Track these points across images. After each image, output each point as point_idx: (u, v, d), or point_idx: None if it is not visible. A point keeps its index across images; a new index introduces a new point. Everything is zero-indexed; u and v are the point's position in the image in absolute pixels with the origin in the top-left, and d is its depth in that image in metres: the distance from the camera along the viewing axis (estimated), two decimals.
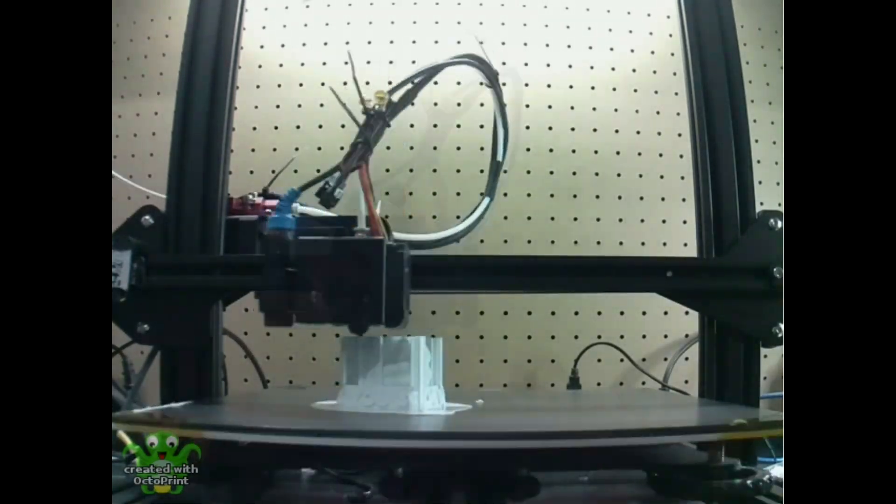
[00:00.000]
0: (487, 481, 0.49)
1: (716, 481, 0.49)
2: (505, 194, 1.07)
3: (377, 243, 0.59)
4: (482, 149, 1.08)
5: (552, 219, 1.09)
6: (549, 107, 1.11)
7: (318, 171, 1.09)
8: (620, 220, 1.10)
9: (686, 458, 0.56)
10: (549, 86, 1.12)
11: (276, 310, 0.59)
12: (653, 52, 1.13)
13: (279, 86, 1.12)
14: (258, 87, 1.12)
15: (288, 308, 0.58)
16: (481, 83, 1.07)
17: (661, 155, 1.11)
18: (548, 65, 1.12)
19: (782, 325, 0.64)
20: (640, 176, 1.11)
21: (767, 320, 0.65)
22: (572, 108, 1.12)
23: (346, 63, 1.03)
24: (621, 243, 1.09)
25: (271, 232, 0.59)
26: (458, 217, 1.04)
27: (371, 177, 0.67)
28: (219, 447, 0.48)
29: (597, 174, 1.10)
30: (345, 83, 1.14)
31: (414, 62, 1.06)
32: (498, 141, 1.03)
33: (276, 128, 1.12)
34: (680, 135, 1.07)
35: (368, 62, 1.10)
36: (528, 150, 1.10)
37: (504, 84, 1.04)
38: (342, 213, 0.71)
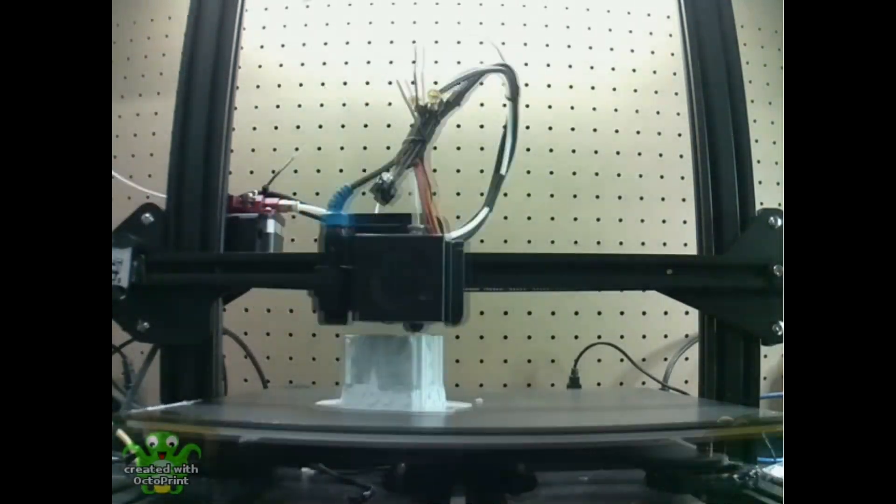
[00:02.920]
0: (486, 476, 0.49)
1: (704, 476, 0.50)
2: (505, 194, 1.06)
3: (437, 240, 0.60)
4: (482, 149, 1.07)
5: (552, 219, 1.09)
6: (549, 107, 1.11)
7: (318, 171, 1.10)
8: (620, 220, 1.10)
9: (682, 456, 0.56)
10: (549, 86, 1.12)
11: (332, 308, 0.58)
12: (653, 52, 1.13)
13: (279, 86, 1.13)
14: (258, 87, 1.12)
15: (345, 306, 0.58)
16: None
17: (661, 155, 1.11)
18: (548, 65, 1.12)
19: (782, 323, 0.64)
20: (640, 176, 1.11)
21: (767, 318, 0.64)
22: (572, 108, 1.12)
23: (368, 63, 1.03)
24: (621, 243, 1.09)
25: (328, 229, 0.59)
26: (458, 217, 1.04)
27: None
28: (218, 447, 0.48)
29: (597, 174, 1.10)
30: (345, 83, 1.14)
31: (414, 62, 1.06)
32: (504, 154, 1.03)
33: (276, 128, 1.12)
34: (680, 135, 1.07)
35: (368, 62, 1.11)
36: (528, 150, 1.10)
37: (504, 84, 1.04)
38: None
